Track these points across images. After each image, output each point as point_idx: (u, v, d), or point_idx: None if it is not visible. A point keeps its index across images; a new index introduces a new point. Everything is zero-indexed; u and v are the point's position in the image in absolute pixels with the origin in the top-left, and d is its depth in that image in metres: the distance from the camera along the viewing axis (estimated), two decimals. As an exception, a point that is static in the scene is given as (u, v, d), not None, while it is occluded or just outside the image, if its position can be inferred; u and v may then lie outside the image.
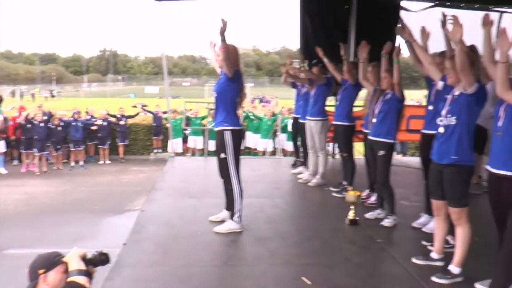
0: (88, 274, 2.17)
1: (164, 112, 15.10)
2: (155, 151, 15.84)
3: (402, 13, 8.57)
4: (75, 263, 2.16)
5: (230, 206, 4.79)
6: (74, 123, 14.29)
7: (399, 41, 5.09)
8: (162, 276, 3.69)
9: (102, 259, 2.26)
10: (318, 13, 8.38)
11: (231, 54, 4.45)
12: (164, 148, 15.54)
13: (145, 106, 18.03)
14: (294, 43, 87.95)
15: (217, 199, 5.27)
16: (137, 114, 16.50)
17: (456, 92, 3.66)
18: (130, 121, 15.73)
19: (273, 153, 13.86)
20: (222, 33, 4.25)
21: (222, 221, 4.82)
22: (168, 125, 12.54)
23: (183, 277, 3.67)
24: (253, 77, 69.59)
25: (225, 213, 4.91)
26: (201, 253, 4.16)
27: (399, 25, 4.59)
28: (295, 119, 7.89)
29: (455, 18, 3.46)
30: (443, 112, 3.71)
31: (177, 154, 12.65)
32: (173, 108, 13.97)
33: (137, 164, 14.92)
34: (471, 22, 3.51)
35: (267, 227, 4.94)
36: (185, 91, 51.44)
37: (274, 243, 4.46)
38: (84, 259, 2.20)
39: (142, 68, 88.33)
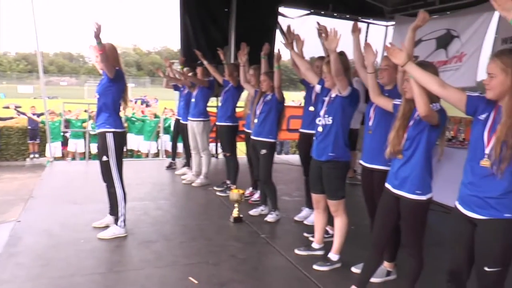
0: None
1: (40, 114, 14.15)
2: (32, 156, 14.70)
3: (280, 19, 8.94)
4: None
5: (113, 210, 4.68)
6: None
7: (279, 46, 5.29)
8: (41, 288, 3.50)
9: None
10: (198, 14, 8.38)
11: (109, 54, 4.35)
12: (42, 153, 14.49)
13: (19, 107, 16.66)
14: (175, 43, 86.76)
15: (100, 204, 5.12)
16: (11, 118, 15.20)
17: (333, 95, 3.92)
18: (1, 123, 14.44)
19: (157, 154, 13.69)
20: (97, 36, 4.09)
21: (106, 227, 4.70)
22: (45, 127, 11.79)
23: (65, 288, 3.51)
24: (134, 77, 67.47)
25: (109, 218, 4.79)
26: (85, 261, 4.00)
27: (287, 30, 4.77)
28: (177, 120, 7.89)
29: (331, 30, 3.70)
30: (321, 112, 3.96)
31: (56, 159, 11.96)
32: (50, 109, 13.13)
33: (11, 171, 13.74)
34: (343, 30, 3.79)
35: (151, 229, 4.90)
36: (63, 91, 48.46)
37: (159, 246, 4.44)
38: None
39: (13, 65, 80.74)
